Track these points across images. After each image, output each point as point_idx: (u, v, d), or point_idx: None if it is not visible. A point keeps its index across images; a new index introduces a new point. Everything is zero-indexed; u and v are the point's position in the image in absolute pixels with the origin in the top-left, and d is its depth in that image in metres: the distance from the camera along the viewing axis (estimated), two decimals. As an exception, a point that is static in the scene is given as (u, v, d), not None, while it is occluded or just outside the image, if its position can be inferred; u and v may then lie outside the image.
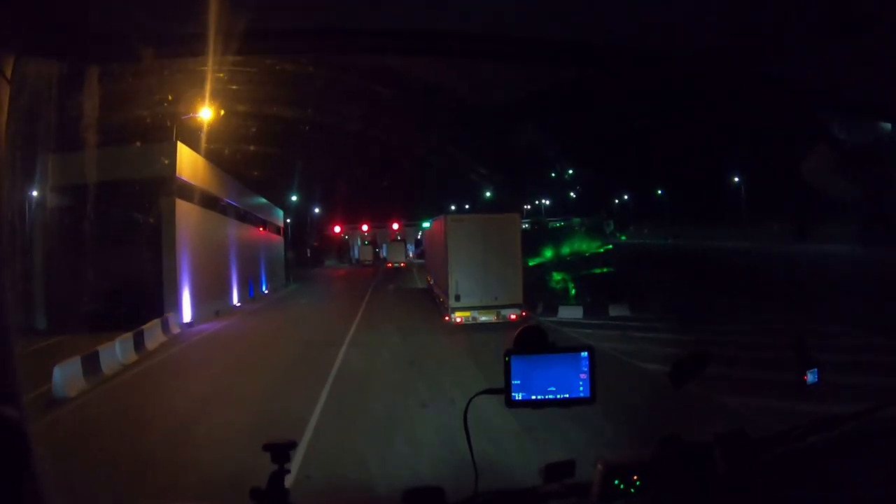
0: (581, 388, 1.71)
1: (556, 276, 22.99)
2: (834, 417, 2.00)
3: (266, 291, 33.39)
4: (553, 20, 1.81)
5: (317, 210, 69.99)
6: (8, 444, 1.21)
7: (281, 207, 42.78)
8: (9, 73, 1.30)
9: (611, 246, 54.63)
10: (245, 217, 31.48)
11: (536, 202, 78.88)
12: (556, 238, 51.47)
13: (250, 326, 20.47)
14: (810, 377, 2.08)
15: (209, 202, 23.97)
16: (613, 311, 18.28)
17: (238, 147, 30.47)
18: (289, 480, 1.65)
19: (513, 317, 16.35)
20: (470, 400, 1.81)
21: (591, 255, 50.50)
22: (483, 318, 16.51)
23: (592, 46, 2.02)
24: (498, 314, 16.46)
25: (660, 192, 65.89)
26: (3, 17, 1.26)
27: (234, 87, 18.73)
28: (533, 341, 1.71)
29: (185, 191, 21.12)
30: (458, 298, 16.62)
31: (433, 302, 22.47)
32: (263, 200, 38.39)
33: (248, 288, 29.68)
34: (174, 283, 19.64)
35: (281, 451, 1.65)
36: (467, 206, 68.37)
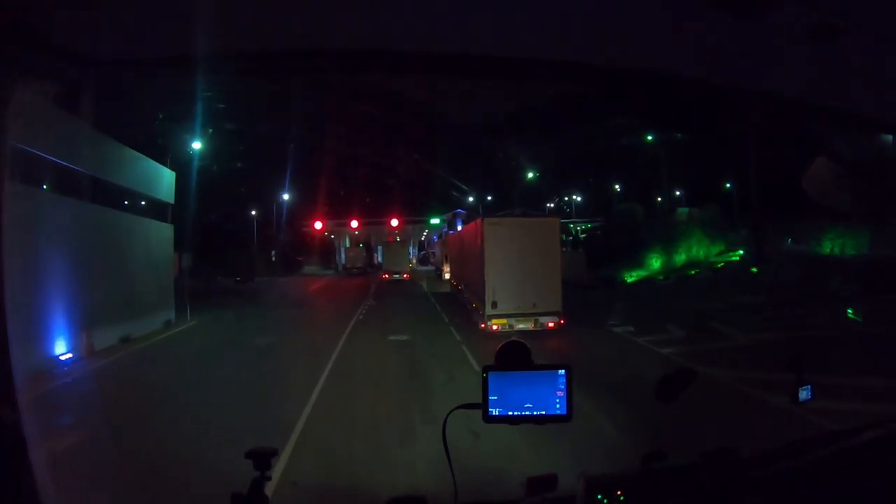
0: (558, 406, 1.68)
1: None
2: (829, 435, 1.98)
3: (69, 356, 13.07)
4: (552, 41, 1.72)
5: (286, 196, 50.38)
6: (6, 444, 1.21)
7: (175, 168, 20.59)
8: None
9: (741, 251, 34.38)
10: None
11: (570, 197, 64.05)
12: (663, 238, 31.77)
13: None
14: (802, 395, 2.10)
15: None
16: None
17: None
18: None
19: (551, 325, 15.43)
20: (448, 415, 1.79)
21: (725, 266, 30.72)
22: (520, 326, 15.29)
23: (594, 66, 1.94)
24: (536, 322, 15.46)
25: (728, 185, 46.56)
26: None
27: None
28: (514, 356, 1.69)
29: None
30: (494, 305, 15.55)
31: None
32: (126, 150, 17.66)
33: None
34: None
35: (262, 459, 1.74)
36: (489, 198, 58.05)
